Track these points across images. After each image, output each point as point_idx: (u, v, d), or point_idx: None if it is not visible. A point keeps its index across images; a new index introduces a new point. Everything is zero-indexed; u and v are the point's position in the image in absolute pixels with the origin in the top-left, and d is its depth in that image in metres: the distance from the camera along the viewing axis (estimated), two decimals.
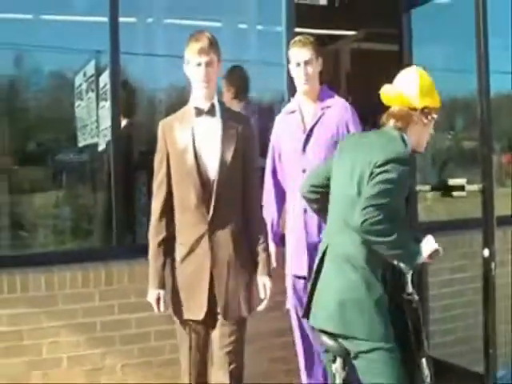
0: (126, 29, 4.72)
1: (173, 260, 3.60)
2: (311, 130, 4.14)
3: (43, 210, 5.18)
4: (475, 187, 4.41)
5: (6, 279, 4.13)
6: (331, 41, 6.99)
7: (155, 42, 5.36)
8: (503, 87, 6.17)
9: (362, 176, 3.19)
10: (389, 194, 3.09)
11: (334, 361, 3.31)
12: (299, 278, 4.16)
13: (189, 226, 3.54)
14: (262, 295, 3.62)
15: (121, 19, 4.62)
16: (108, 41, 4.61)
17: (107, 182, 4.50)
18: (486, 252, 4.28)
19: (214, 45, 3.56)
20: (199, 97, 3.58)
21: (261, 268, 3.62)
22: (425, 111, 3.33)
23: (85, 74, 5.29)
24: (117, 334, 4.35)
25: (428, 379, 3.39)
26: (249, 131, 3.68)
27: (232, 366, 3.51)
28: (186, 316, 3.55)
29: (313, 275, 3.39)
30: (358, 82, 6.70)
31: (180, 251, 3.57)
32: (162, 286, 3.59)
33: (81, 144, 5.18)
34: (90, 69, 5.24)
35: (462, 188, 4.57)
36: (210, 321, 3.54)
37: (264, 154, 4.42)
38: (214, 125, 3.56)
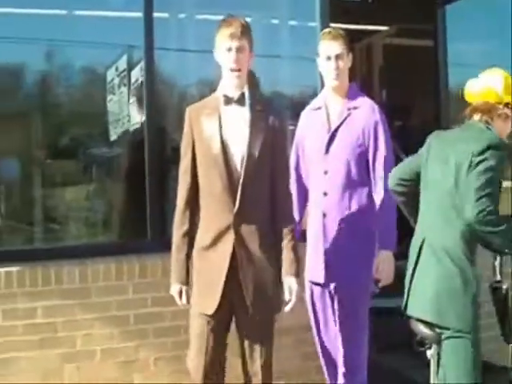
0: (159, 24, 4.72)
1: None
2: (336, 131, 3.93)
3: (77, 203, 5.20)
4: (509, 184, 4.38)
5: (40, 272, 4.16)
6: (364, 36, 6.97)
7: (187, 37, 5.36)
8: None
9: (459, 168, 3.19)
10: (493, 182, 3.13)
11: (429, 347, 3.31)
12: (316, 284, 4.00)
13: (214, 216, 3.41)
14: (286, 297, 3.45)
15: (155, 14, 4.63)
16: (141, 36, 4.64)
17: (141, 175, 4.50)
18: None
19: (246, 31, 3.43)
20: (229, 85, 3.46)
21: (286, 268, 3.46)
22: (509, 105, 3.38)
23: (117, 69, 5.30)
24: (150, 327, 4.36)
25: None
26: (279, 123, 3.54)
27: (261, 363, 3.43)
28: (199, 309, 3.43)
29: (410, 269, 3.36)
30: (391, 77, 6.67)
31: (202, 240, 3.45)
32: (186, 279, 3.47)
33: (113, 138, 5.19)
34: (122, 63, 5.25)
35: None
36: (226, 317, 3.44)
37: None
38: (243, 114, 3.44)
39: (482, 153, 3.13)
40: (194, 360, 3.45)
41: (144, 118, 4.74)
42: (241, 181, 3.37)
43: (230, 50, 3.38)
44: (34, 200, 5.05)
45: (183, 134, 3.53)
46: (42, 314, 4.14)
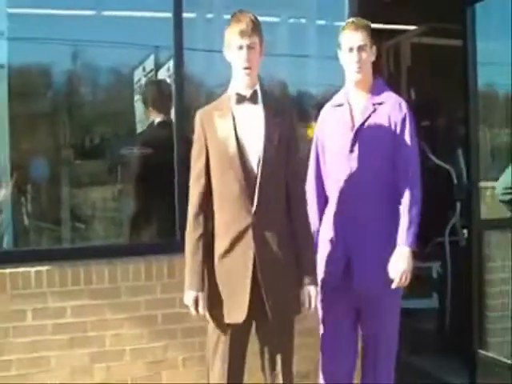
0: (187, 24, 4.69)
1: (210, 258, 3.38)
2: (360, 128, 3.71)
3: (104, 203, 5.22)
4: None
5: (70, 271, 4.16)
6: (392, 35, 6.94)
7: (215, 37, 5.36)
8: None
9: None
10: None
11: None
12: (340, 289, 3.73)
13: (231, 219, 3.31)
14: (306, 305, 3.39)
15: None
16: (169, 36, 4.60)
17: (170, 175, 4.49)
18: None
19: (257, 26, 3.33)
20: (241, 83, 3.37)
21: (305, 276, 3.39)
22: None
23: (144, 69, 5.32)
24: (178, 327, 4.34)
25: None
26: (292, 120, 3.49)
27: (281, 368, 3.39)
28: (226, 319, 3.31)
29: None
30: (419, 76, 6.64)
31: (220, 247, 3.35)
32: (201, 286, 3.35)
33: (140, 138, 5.19)
34: (150, 64, 5.26)
35: None
36: (249, 323, 3.36)
37: None
38: (256, 112, 3.36)
39: None
40: (219, 370, 3.39)
41: (172, 118, 4.75)
42: (258, 180, 3.28)
43: (240, 48, 3.30)
44: (61, 200, 5.09)
45: (194, 139, 3.45)
46: (72, 314, 4.15)
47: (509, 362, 4.84)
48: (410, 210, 3.61)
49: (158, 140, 4.94)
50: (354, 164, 3.69)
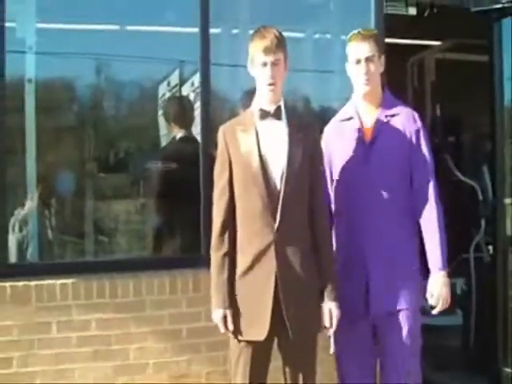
0: (213, 39, 4.72)
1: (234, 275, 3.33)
2: (373, 142, 3.57)
3: (128, 216, 5.24)
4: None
5: (95, 284, 4.18)
6: (417, 50, 6.93)
7: (241, 52, 5.38)
8: None
9: None
10: None
11: None
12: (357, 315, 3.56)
13: (253, 236, 3.27)
14: (326, 323, 3.33)
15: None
16: (194, 51, 4.61)
17: (195, 189, 4.49)
18: None
19: (281, 42, 3.29)
20: (265, 99, 3.34)
21: (327, 293, 3.32)
22: None
23: (169, 84, 5.35)
24: (203, 341, 4.34)
25: None
26: (316, 136, 3.46)
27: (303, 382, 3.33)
28: (247, 336, 3.27)
29: None
30: (444, 92, 6.62)
31: (242, 264, 3.30)
32: (229, 303, 3.29)
33: (165, 152, 5.21)
34: (175, 78, 5.28)
35: None
36: (271, 340, 3.31)
37: None
38: (280, 128, 3.32)
39: None
40: None
41: (194, 133, 4.79)
42: (281, 197, 3.23)
43: (265, 64, 3.27)
44: (86, 213, 5.11)
45: (217, 155, 3.41)
46: (96, 327, 4.16)
47: None
48: (439, 231, 3.51)
49: (180, 155, 4.97)
50: (368, 178, 3.55)
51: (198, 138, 4.67)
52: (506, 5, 5.15)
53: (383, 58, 3.65)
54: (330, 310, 3.33)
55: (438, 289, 3.49)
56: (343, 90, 5.41)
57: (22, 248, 4.67)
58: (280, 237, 3.23)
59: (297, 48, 5.24)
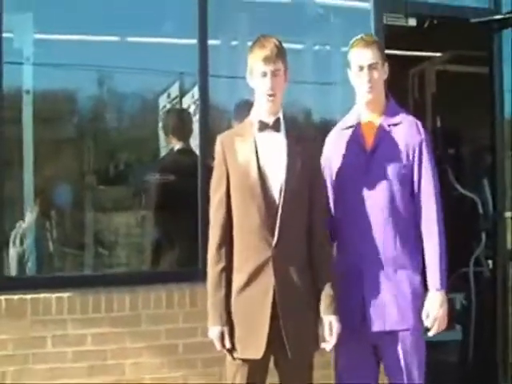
0: (212, 51, 4.70)
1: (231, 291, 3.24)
2: (374, 151, 3.43)
3: (127, 229, 5.21)
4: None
5: (91, 298, 4.15)
6: (418, 61, 6.91)
7: (240, 64, 5.36)
8: None
9: None
10: None
11: None
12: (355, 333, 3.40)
13: (250, 251, 3.18)
14: (326, 336, 3.23)
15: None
16: (194, 63, 4.60)
17: (193, 202, 4.46)
18: None
19: (281, 52, 3.21)
20: (264, 110, 3.26)
21: (326, 306, 3.24)
22: None
23: (169, 96, 5.33)
24: (199, 357, 4.29)
25: None
26: (316, 149, 3.40)
27: None
28: (243, 355, 3.18)
29: None
30: (444, 104, 6.60)
31: (238, 280, 3.21)
32: (226, 320, 3.21)
33: (164, 164, 5.17)
34: (175, 90, 5.27)
35: None
36: (267, 357, 3.22)
37: None
38: (279, 140, 3.24)
39: None
40: None
41: (192, 145, 4.78)
42: (279, 211, 3.15)
43: (264, 74, 3.19)
44: (83, 226, 5.09)
45: (215, 166, 3.33)
46: (92, 341, 4.13)
47: None
48: (439, 249, 3.37)
49: (178, 167, 4.94)
50: (367, 189, 3.42)
51: (197, 150, 4.65)
52: (506, 16, 5.13)
53: (387, 65, 3.53)
54: (330, 323, 3.24)
55: (434, 309, 3.35)
56: (343, 102, 5.45)
57: (21, 261, 4.65)
58: (278, 252, 3.15)
59: (297, 60, 5.22)
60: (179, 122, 5.19)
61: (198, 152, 4.62)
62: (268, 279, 3.15)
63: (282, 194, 3.17)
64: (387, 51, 4.51)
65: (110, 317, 4.16)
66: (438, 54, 6.98)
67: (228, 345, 3.22)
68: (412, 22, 5.29)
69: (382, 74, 3.49)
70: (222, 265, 3.24)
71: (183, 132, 5.04)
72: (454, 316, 5.99)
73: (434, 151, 3.55)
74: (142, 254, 5.19)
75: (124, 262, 5.15)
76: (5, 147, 4.25)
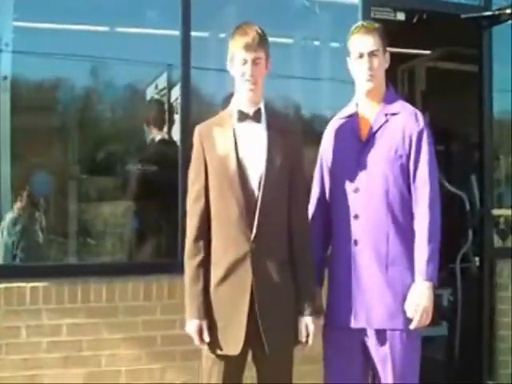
0: (199, 43, 4.68)
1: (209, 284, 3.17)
2: (369, 140, 3.32)
3: (108, 220, 5.15)
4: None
5: (67, 288, 4.10)
6: (407, 59, 6.86)
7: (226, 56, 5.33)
8: None
9: None
10: None
11: None
12: (343, 329, 3.32)
13: (228, 244, 3.11)
14: (302, 338, 3.17)
15: (194, 33, 4.58)
16: (179, 54, 4.56)
17: (174, 194, 4.42)
18: None
19: (263, 40, 3.13)
20: (244, 99, 3.17)
21: (303, 307, 3.17)
22: None
23: (156, 87, 5.28)
24: (178, 349, 4.24)
25: None
26: (298, 141, 3.27)
27: None
28: (221, 350, 3.12)
29: None
30: (434, 101, 6.55)
31: (216, 274, 3.13)
32: (204, 314, 3.13)
33: (148, 155, 5.14)
34: (162, 81, 5.21)
35: None
36: (245, 352, 3.15)
37: None
38: (259, 132, 3.16)
39: None
40: None
41: (173, 136, 4.77)
42: (259, 204, 3.08)
43: (245, 62, 3.11)
44: (62, 216, 5.03)
45: (192, 157, 3.25)
46: (67, 332, 4.08)
47: None
48: (429, 239, 3.21)
49: (158, 158, 4.92)
50: (361, 180, 3.31)
51: (178, 140, 4.61)
52: (496, 12, 5.09)
53: (388, 53, 3.41)
54: (306, 325, 3.19)
55: (417, 298, 3.20)
56: (331, 97, 5.42)
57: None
58: (257, 246, 3.07)
59: (284, 54, 5.18)
60: (159, 113, 5.17)
61: (178, 143, 4.59)
62: (246, 274, 3.08)
63: (262, 187, 3.10)
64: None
65: (86, 307, 4.12)
66: (428, 51, 6.93)
67: (207, 338, 3.15)
68: (401, 16, 5.26)
69: (382, 62, 3.38)
70: (199, 258, 3.16)
71: (163, 123, 5.04)
72: (441, 312, 5.98)
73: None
74: (121, 245, 5.13)
75: (102, 253, 5.08)
76: None
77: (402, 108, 3.40)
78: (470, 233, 5.64)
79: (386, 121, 3.34)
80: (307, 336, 3.19)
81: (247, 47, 3.10)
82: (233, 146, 3.13)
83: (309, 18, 5.51)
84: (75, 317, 4.09)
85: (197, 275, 3.15)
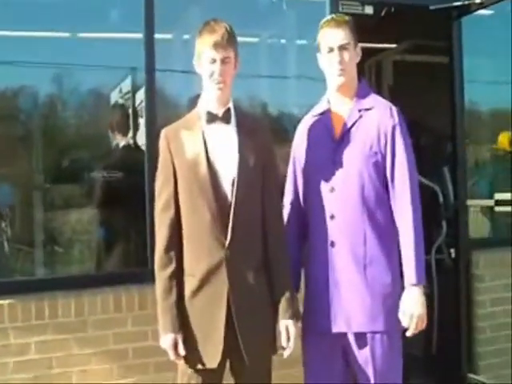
0: (163, 45, 4.58)
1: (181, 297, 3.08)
2: (344, 138, 3.23)
3: (71, 229, 5.05)
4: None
5: (33, 305, 3.99)
6: (374, 52, 6.79)
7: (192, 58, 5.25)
8: None
9: None
10: None
11: None
12: (322, 335, 3.26)
13: (201, 253, 3.01)
14: (283, 342, 3.10)
15: (157, 36, 4.50)
16: (143, 57, 4.48)
17: (140, 201, 4.32)
18: None
19: (232, 38, 3.05)
20: (212, 100, 3.09)
21: (283, 310, 3.08)
22: None
23: (121, 91, 5.18)
24: (151, 361, 4.15)
25: None
26: (268, 140, 3.18)
27: None
28: (197, 364, 3.04)
29: None
30: (403, 94, 6.48)
31: (190, 284, 3.05)
32: (178, 328, 3.03)
33: (114, 161, 5.01)
34: (126, 85, 5.11)
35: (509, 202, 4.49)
36: (223, 363, 3.07)
37: None
38: (229, 133, 3.08)
39: None
40: None
41: (138, 141, 4.69)
42: (233, 207, 2.99)
43: (214, 61, 3.03)
44: (31, 225, 4.94)
45: (159, 162, 3.14)
46: (36, 350, 3.97)
47: None
48: (414, 240, 3.13)
49: (123, 164, 4.82)
50: (336, 179, 3.23)
51: (143, 146, 4.53)
52: (465, 2, 5.02)
53: (359, 47, 3.34)
54: (286, 327, 3.10)
55: (410, 307, 3.11)
56: (298, 95, 5.35)
57: None
58: (232, 253, 2.99)
59: (251, 52, 5.11)
60: (124, 118, 5.07)
61: (144, 148, 4.50)
62: (222, 283, 3.00)
63: (235, 190, 3.01)
64: None
65: (54, 323, 4.01)
66: (395, 45, 6.87)
67: (183, 352, 3.05)
68: (369, 9, 5.17)
69: (354, 55, 3.31)
70: (170, 269, 3.06)
71: (127, 128, 4.95)
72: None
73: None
74: (89, 254, 5.02)
75: (70, 261, 4.99)
76: None
77: (376, 102, 3.32)
78: (444, 225, 5.60)
79: (360, 116, 3.27)
80: (288, 340, 3.10)
81: (216, 46, 3.01)
82: (203, 149, 3.04)
83: (276, 15, 5.43)
84: (43, 334, 3.99)
85: (169, 287, 3.05)
